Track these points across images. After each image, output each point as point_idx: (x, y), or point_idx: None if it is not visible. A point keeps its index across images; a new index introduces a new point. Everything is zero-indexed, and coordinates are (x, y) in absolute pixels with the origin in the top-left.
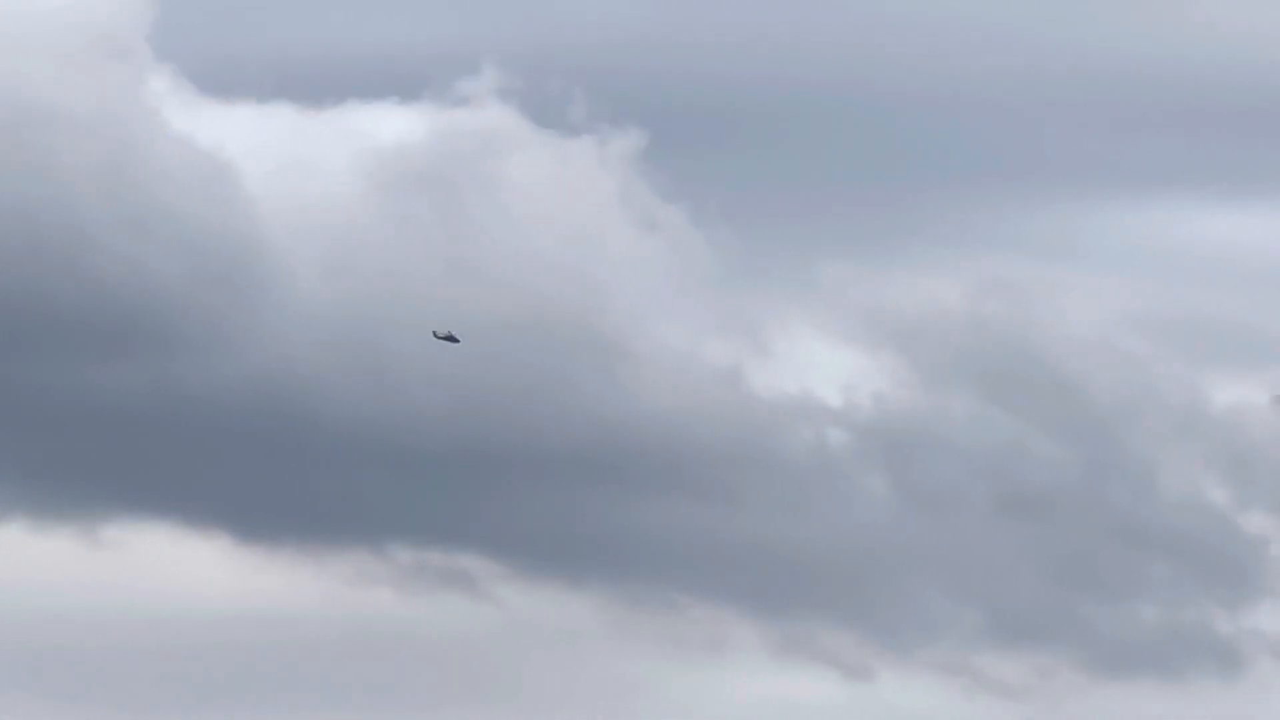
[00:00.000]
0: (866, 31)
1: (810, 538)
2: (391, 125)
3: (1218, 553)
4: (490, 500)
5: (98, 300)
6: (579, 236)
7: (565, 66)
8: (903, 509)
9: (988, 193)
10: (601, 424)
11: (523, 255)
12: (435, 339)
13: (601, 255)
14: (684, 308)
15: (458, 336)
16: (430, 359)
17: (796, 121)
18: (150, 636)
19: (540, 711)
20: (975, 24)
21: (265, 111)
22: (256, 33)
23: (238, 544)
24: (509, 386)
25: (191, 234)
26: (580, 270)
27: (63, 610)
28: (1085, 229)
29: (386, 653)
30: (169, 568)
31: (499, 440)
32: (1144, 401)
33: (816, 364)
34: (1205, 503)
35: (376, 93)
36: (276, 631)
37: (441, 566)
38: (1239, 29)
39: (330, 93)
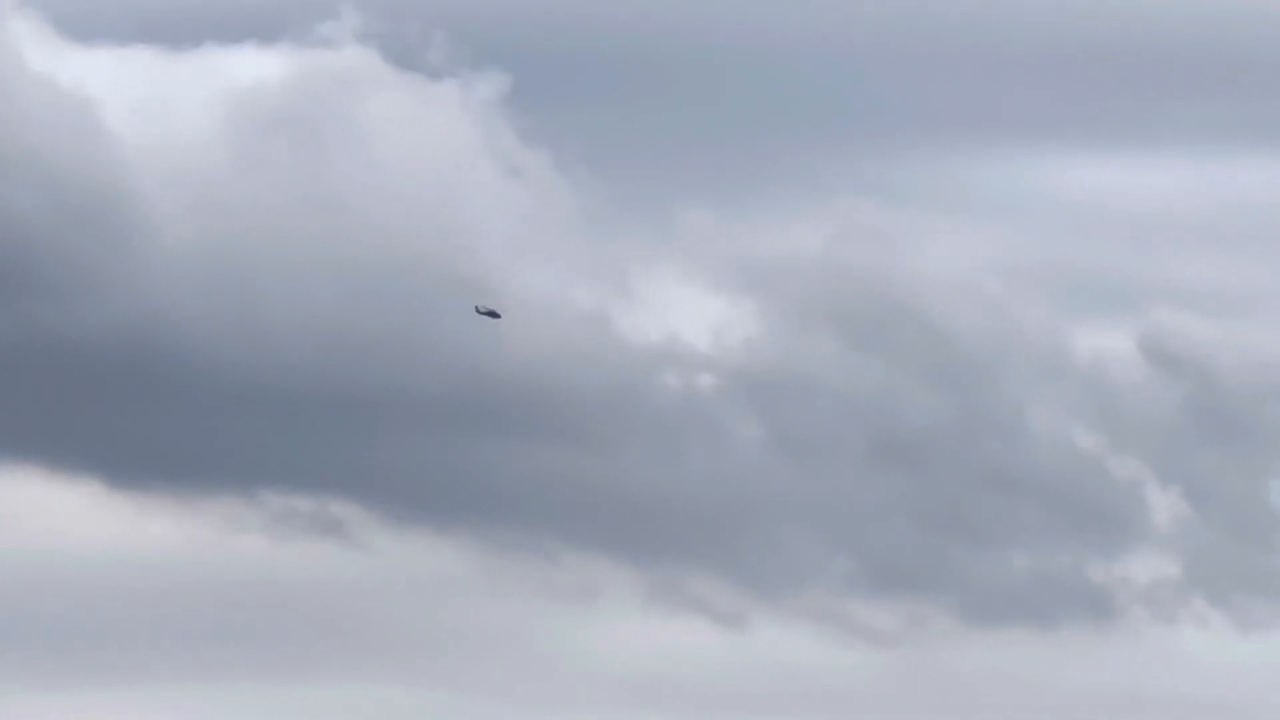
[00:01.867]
0: None
1: (681, 484)
2: (251, 67)
3: (1089, 500)
4: (360, 447)
5: None
6: (442, 180)
7: (425, 9)
8: (774, 455)
9: (851, 139)
10: (470, 370)
11: (386, 198)
12: (477, 314)
13: (465, 199)
14: (548, 253)
15: (499, 312)
16: (296, 302)
17: (658, 67)
18: (21, 582)
19: (411, 659)
20: None
21: (125, 54)
22: None
23: (109, 490)
24: (377, 331)
25: (53, 175)
26: (444, 214)
27: None
28: (950, 176)
29: (257, 599)
30: (39, 514)
31: (369, 386)
32: (1011, 348)
33: (682, 310)
34: (1075, 449)
35: (236, 35)
36: (148, 578)
37: (312, 513)
38: None
39: (189, 35)
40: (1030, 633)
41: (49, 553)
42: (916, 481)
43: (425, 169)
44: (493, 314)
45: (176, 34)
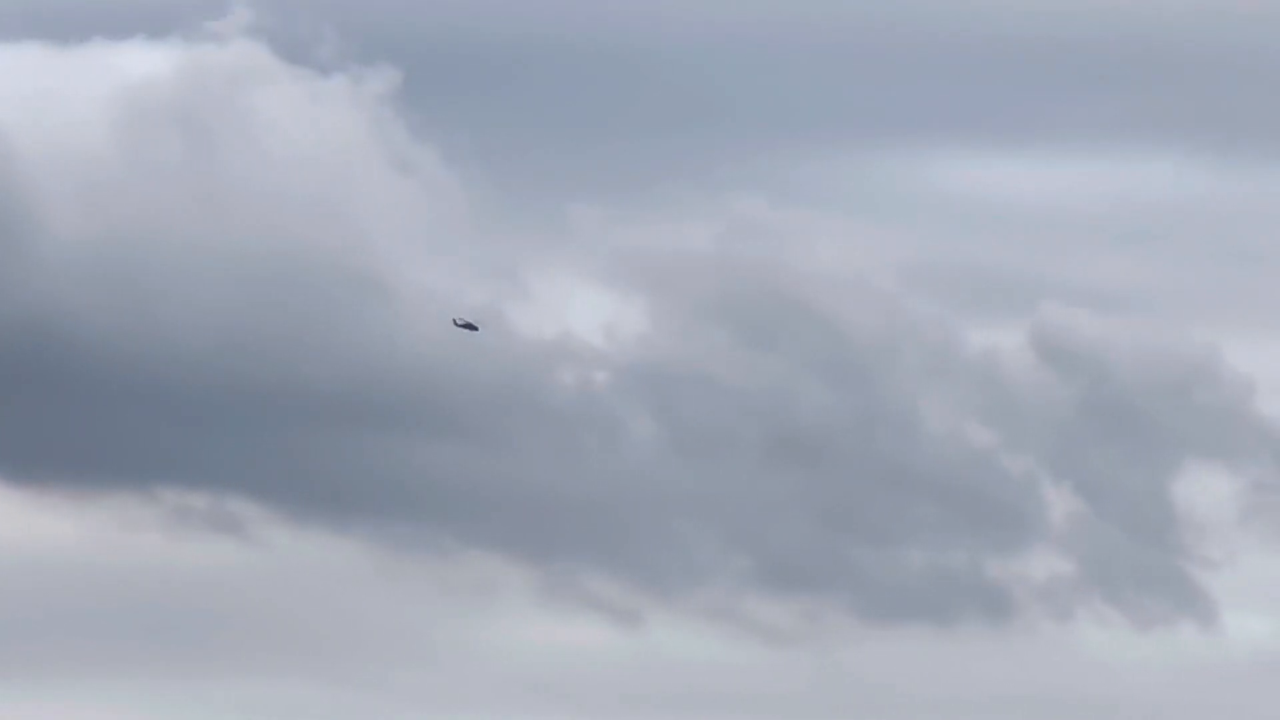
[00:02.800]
0: None
1: (577, 481)
2: (140, 62)
3: (985, 497)
4: (257, 443)
5: None
6: (333, 175)
7: (315, 4)
8: (669, 452)
9: (743, 136)
10: (364, 366)
11: (277, 194)
12: (455, 327)
13: (356, 195)
14: (440, 249)
15: (477, 325)
16: (190, 299)
17: (550, 63)
18: None
19: (307, 656)
20: None
21: (14, 50)
22: None
23: (4, 487)
24: (271, 327)
25: None
26: (335, 209)
27: None
28: (843, 173)
29: (154, 596)
30: None
31: (264, 382)
32: (904, 345)
33: (575, 306)
34: (970, 446)
35: (124, 30)
36: (44, 575)
37: (208, 510)
38: None
39: (78, 30)
40: (927, 630)
41: None
42: (812, 479)
43: (316, 164)
44: (470, 326)
45: (65, 29)
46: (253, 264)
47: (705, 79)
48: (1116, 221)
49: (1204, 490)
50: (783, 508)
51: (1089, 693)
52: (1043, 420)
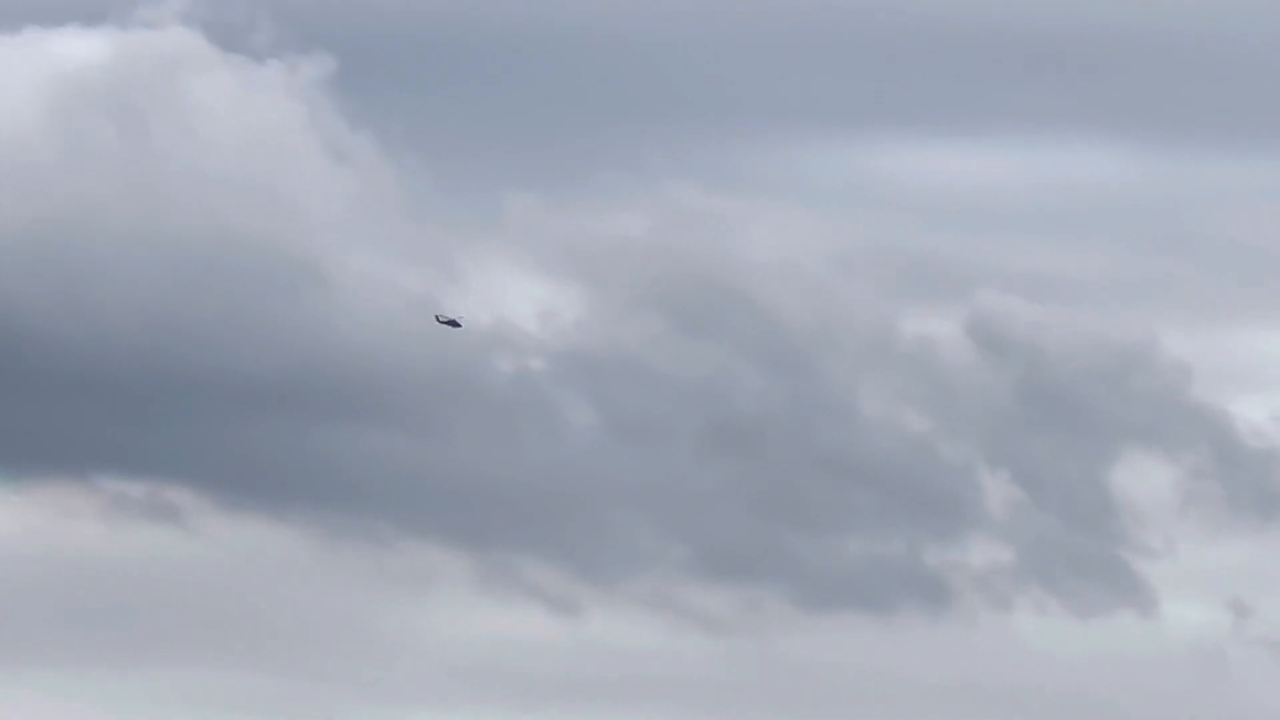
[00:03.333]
0: None
1: (515, 470)
2: (75, 49)
3: (923, 486)
4: (194, 432)
5: None
6: (268, 163)
7: None
8: (607, 441)
9: (678, 125)
10: (302, 354)
11: (212, 181)
12: (438, 323)
13: (292, 182)
14: (376, 236)
15: (460, 321)
16: (124, 285)
17: (485, 51)
18: None
19: (245, 644)
20: None
21: None
22: None
23: None
24: (207, 315)
25: None
26: (271, 197)
27: None
28: (778, 162)
29: (92, 585)
30: None
31: (201, 370)
32: (840, 333)
33: (511, 294)
34: (907, 434)
35: (59, 17)
36: None
37: (146, 499)
38: None
39: (11, 17)
40: (865, 619)
41: None
42: (750, 467)
43: (251, 152)
44: (453, 323)
45: None
46: (189, 252)
47: (641, 68)
48: (1053, 210)
49: (1142, 478)
50: (721, 496)
51: (1028, 681)
52: (979, 408)
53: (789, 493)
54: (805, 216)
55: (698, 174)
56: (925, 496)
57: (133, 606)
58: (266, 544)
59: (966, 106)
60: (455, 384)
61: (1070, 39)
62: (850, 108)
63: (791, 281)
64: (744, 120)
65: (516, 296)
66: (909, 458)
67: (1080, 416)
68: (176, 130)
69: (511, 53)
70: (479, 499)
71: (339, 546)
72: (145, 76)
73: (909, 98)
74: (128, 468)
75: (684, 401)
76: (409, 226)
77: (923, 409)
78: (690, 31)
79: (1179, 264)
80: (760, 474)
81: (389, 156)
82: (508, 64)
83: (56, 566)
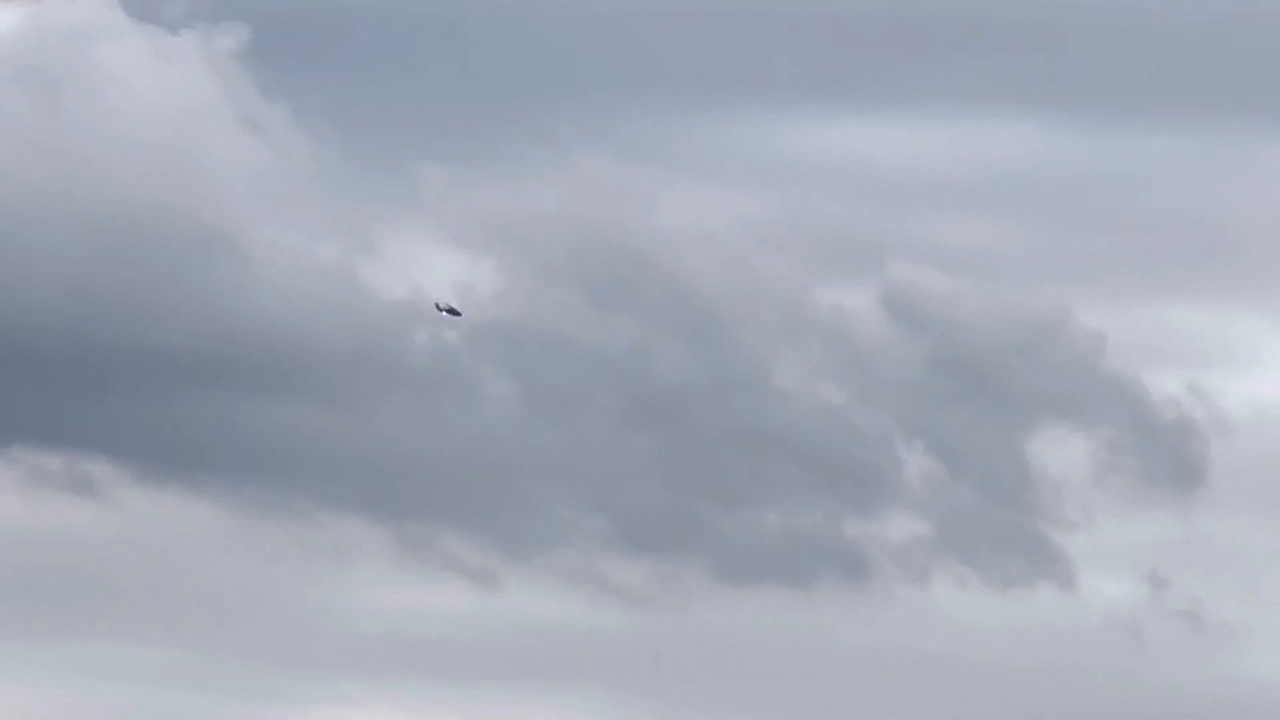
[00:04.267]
0: None
1: (433, 442)
2: None
3: (840, 458)
4: (110, 404)
5: None
6: (182, 133)
7: None
8: (524, 413)
9: (592, 97)
10: (218, 326)
11: (126, 151)
12: (438, 311)
13: (206, 153)
14: (290, 208)
15: (459, 310)
16: (38, 256)
17: (399, 22)
18: None
19: (164, 617)
20: None
21: None
22: None
23: None
24: (122, 286)
25: None
26: (185, 167)
27: None
28: (692, 134)
29: (9, 558)
30: None
31: (117, 342)
32: (755, 305)
33: (426, 266)
34: (824, 406)
35: None
36: None
37: (63, 471)
38: None
39: None
40: (784, 591)
41: None
42: (668, 440)
43: (165, 122)
44: (453, 312)
45: None
46: (103, 223)
47: (555, 40)
48: (969, 184)
49: (1058, 450)
50: (639, 469)
51: (947, 654)
52: (895, 380)
53: (707, 465)
54: (719, 189)
55: (611, 146)
56: (843, 469)
57: (50, 579)
58: (184, 517)
59: (884, 81)
60: (372, 356)
61: (988, 15)
62: (766, 81)
63: (706, 253)
64: (658, 93)
65: (432, 268)
66: (826, 430)
67: (995, 388)
68: (90, 100)
69: (425, 25)
70: (397, 471)
71: (256, 519)
72: (59, 46)
73: (825, 72)
74: (45, 440)
75: (601, 373)
76: (324, 198)
77: (839, 381)
78: (603, 4)
79: (1094, 238)
80: (678, 446)
81: (303, 128)
82: (421, 36)
83: None
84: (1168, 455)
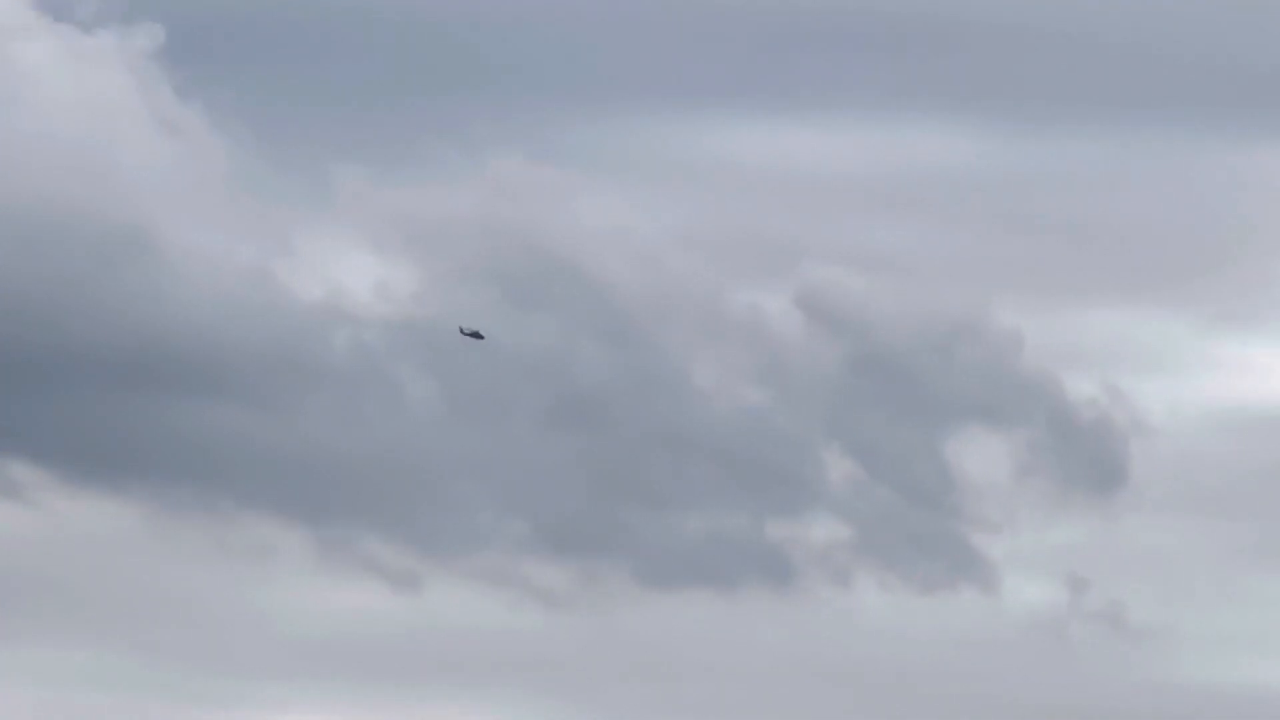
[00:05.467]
0: None
1: (353, 444)
2: None
3: (760, 460)
4: (31, 406)
5: None
6: (98, 134)
7: None
8: (445, 415)
9: (508, 100)
10: (136, 327)
11: (41, 152)
12: (462, 334)
13: (121, 153)
14: (206, 208)
15: (483, 334)
16: None
17: (311, 24)
18: None
19: (86, 620)
20: None
21: None
22: None
23: None
24: (39, 288)
25: None
26: (100, 169)
27: None
28: (608, 137)
29: None
30: None
31: (35, 343)
32: (673, 308)
33: (344, 267)
34: (743, 408)
35: None
36: None
37: None
38: None
39: None
40: (707, 594)
41: None
42: (589, 442)
43: (80, 122)
44: (476, 335)
45: None
46: (19, 224)
47: (470, 42)
48: (884, 186)
49: (978, 451)
50: (560, 471)
51: (869, 658)
52: (813, 381)
53: (628, 467)
54: (635, 191)
55: (526, 148)
56: (764, 471)
57: None
58: (105, 519)
59: (801, 84)
60: (292, 357)
61: (905, 19)
62: (682, 83)
63: (622, 255)
64: (575, 95)
65: (349, 269)
66: (746, 432)
67: (913, 389)
68: (5, 100)
69: (338, 25)
70: (317, 473)
71: (178, 521)
72: None
73: (742, 74)
74: None
75: (521, 375)
76: (240, 198)
77: (757, 382)
78: (519, 5)
79: (1011, 241)
80: (599, 448)
81: (218, 128)
82: (335, 36)
83: None
84: (1087, 457)
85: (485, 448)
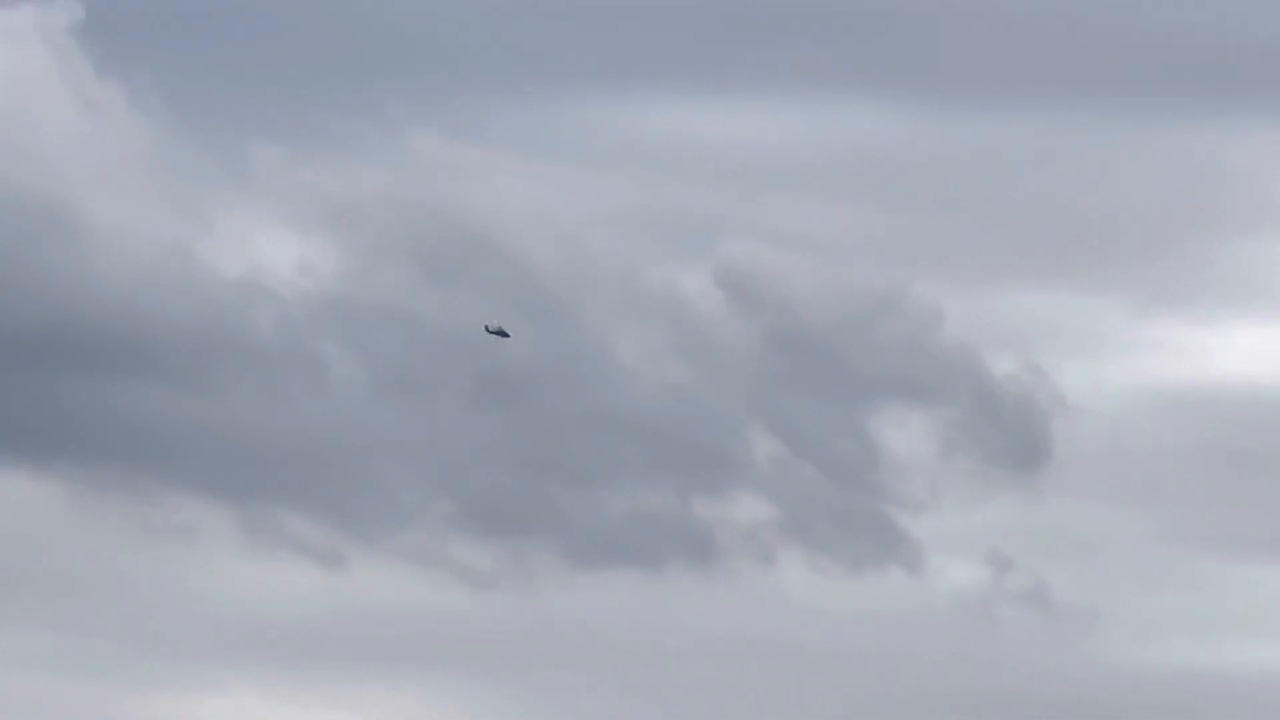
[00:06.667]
0: None
1: (277, 422)
2: None
3: (685, 439)
4: None
5: None
6: (16, 110)
7: None
8: (368, 393)
9: (426, 79)
10: (58, 305)
11: None
12: (487, 333)
13: (40, 130)
14: (127, 186)
15: (508, 332)
16: None
17: (231, 3)
18: None
19: (7, 600)
20: None
21: None
22: None
23: None
24: None
25: None
26: (20, 146)
27: None
28: (527, 115)
29: None
30: None
31: None
32: (593, 284)
33: (263, 245)
34: (667, 387)
35: None
36: None
37: None
38: None
39: None
40: (633, 574)
41: None
42: (513, 420)
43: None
44: (501, 333)
45: None
46: None
47: (387, 19)
48: (805, 166)
49: (901, 429)
50: (485, 450)
51: (794, 637)
52: (734, 358)
53: (553, 446)
54: (553, 168)
55: (443, 125)
56: (689, 449)
57: None
58: (28, 498)
59: (723, 63)
60: (215, 335)
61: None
62: (602, 62)
63: (541, 232)
64: (491, 72)
65: (270, 247)
66: (670, 410)
67: (834, 366)
68: None
69: (256, 3)
70: (242, 452)
71: (101, 499)
72: None
73: (663, 54)
74: None
75: (444, 354)
76: (160, 176)
77: (679, 360)
78: None
79: (932, 220)
80: (524, 427)
81: (137, 106)
82: (253, 15)
83: None
84: (1010, 434)
85: (410, 426)
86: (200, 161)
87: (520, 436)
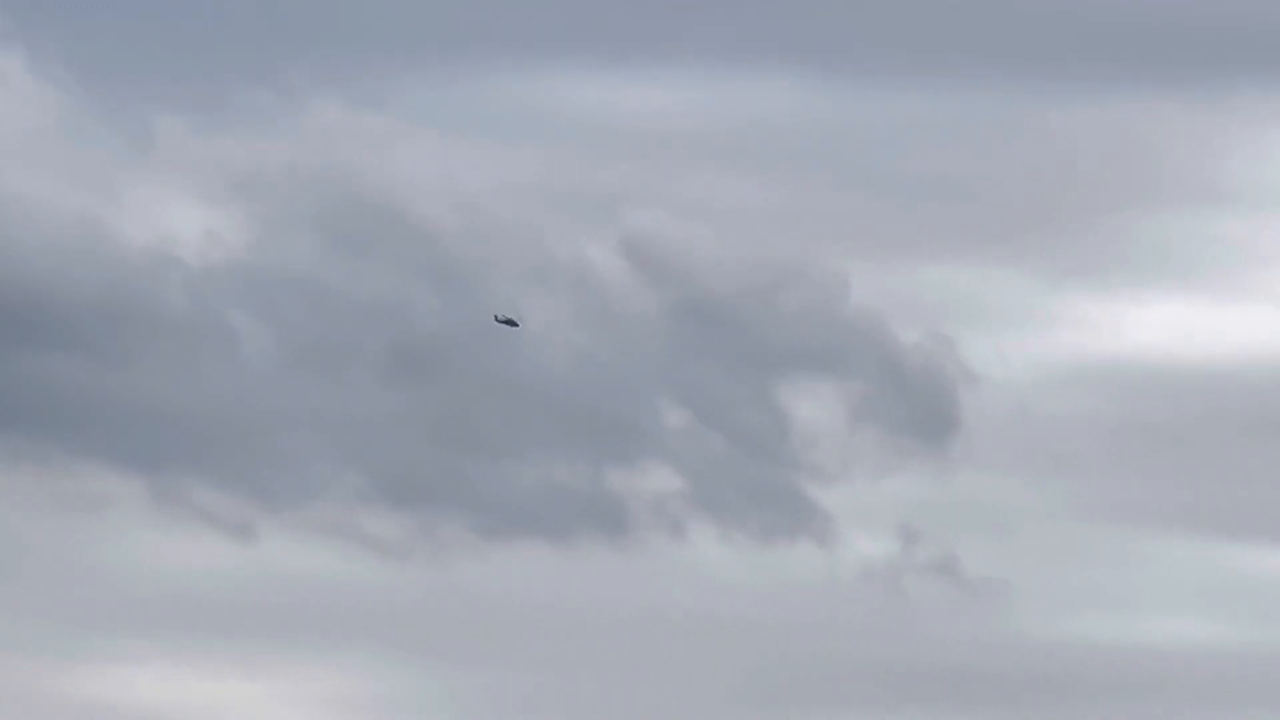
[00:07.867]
0: None
1: (185, 392)
2: None
3: (593, 410)
4: None
5: None
6: None
7: None
8: (277, 364)
9: (330, 47)
10: None
11: None
12: (496, 323)
13: None
14: (30, 156)
15: (517, 321)
16: None
17: None
18: None
19: None
20: None
21: None
22: None
23: None
24: None
25: None
26: None
27: None
28: (429, 86)
29: None
30: None
31: None
32: (500, 254)
33: (170, 216)
34: (578, 357)
35: None
36: None
37: None
38: None
39: None
40: (544, 546)
41: None
42: (423, 391)
43: None
44: (511, 323)
45: None
46: None
47: None
48: (714, 138)
49: (810, 400)
50: (394, 421)
51: (704, 610)
52: (642, 329)
53: (462, 417)
54: (457, 138)
55: (346, 95)
56: (597, 420)
57: None
58: None
59: (631, 34)
60: (123, 305)
61: None
62: (506, 31)
63: (445, 202)
64: (392, 42)
65: (176, 217)
66: (578, 381)
67: (741, 335)
68: None
69: None
70: (151, 423)
71: (7, 470)
72: None
73: (568, 24)
74: None
75: (352, 324)
76: (63, 146)
77: (586, 331)
78: None
79: (841, 193)
80: (433, 398)
81: (39, 75)
82: None
83: None
84: (918, 405)
85: (319, 397)
86: (103, 131)
87: (429, 408)
